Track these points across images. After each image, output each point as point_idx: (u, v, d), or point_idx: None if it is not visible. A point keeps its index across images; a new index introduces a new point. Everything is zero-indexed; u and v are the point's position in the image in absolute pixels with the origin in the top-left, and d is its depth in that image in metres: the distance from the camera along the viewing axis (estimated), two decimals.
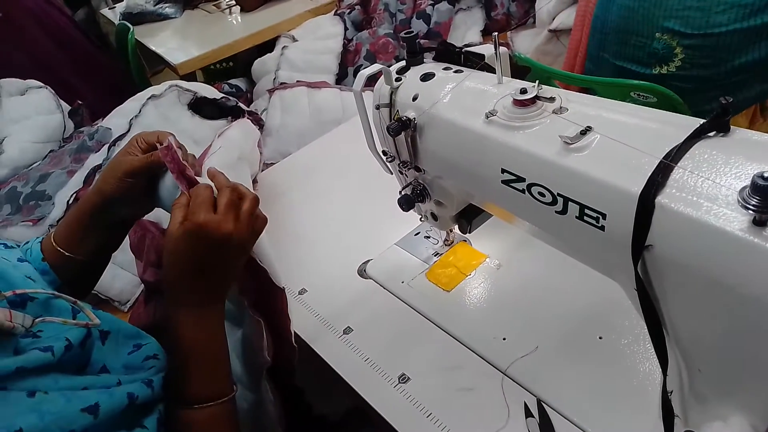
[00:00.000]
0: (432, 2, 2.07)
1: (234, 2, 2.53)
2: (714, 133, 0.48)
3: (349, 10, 2.13)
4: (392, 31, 2.03)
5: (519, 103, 0.58)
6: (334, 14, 2.15)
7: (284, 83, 1.75)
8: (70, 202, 1.15)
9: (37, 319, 0.55)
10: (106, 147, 1.26)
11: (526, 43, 1.91)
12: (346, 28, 2.06)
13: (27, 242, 0.77)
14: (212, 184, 0.68)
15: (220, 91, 1.52)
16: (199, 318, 0.66)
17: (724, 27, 1.16)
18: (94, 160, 1.25)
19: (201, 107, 1.42)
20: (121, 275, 1.14)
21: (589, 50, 1.52)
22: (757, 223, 0.40)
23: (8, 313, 0.52)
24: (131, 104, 1.39)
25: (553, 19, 1.78)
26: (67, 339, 0.56)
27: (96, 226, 0.75)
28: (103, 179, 0.74)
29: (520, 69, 0.73)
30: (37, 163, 1.38)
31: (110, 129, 1.33)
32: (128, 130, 1.30)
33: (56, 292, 0.60)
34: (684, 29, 1.21)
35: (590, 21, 1.48)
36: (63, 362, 0.55)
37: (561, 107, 0.57)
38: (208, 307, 0.66)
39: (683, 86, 1.26)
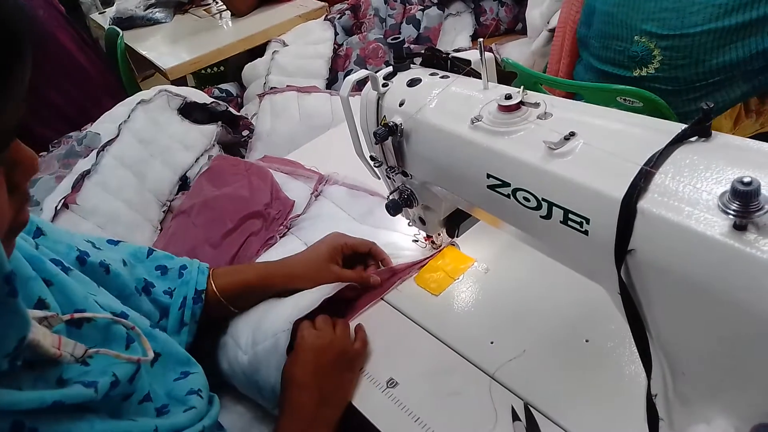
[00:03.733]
0: (421, 7, 2.08)
1: (224, 7, 2.53)
2: (695, 138, 0.49)
3: (339, 15, 2.14)
4: (382, 36, 2.03)
5: (504, 109, 0.59)
6: (325, 19, 2.15)
7: (274, 88, 1.75)
8: (58, 207, 1.14)
9: (90, 350, 0.52)
10: (94, 152, 1.26)
11: (515, 52, 1.92)
12: (336, 33, 2.06)
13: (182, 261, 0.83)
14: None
15: (210, 96, 1.52)
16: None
17: (699, 27, 1.18)
18: (83, 165, 1.24)
19: (191, 112, 1.42)
20: None
21: (580, 54, 1.54)
22: (738, 227, 0.41)
23: (57, 340, 0.49)
24: (120, 109, 1.38)
25: (548, 21, 1.78)
26: (114, 375, 0.53)
27: (272, 295, 0.85)
28: (300, 274, 0.85)
29: (506, 74, 0.73)
30: None
31: (99, 134, 1.32)
32: (117, 135, 1.29)
33: (115, 317, 0.58)
34: (661, 31, 1.23)
35: (572, 28, 1.50)
36: (106, 399, 0.53)
37: (545, 113, 0.58)
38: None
39: (663, 88, 1.28)
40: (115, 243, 0.78)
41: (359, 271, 0.90)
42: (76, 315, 0.54)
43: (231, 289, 0.82)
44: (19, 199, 0.41)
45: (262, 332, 0.79)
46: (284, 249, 1.00)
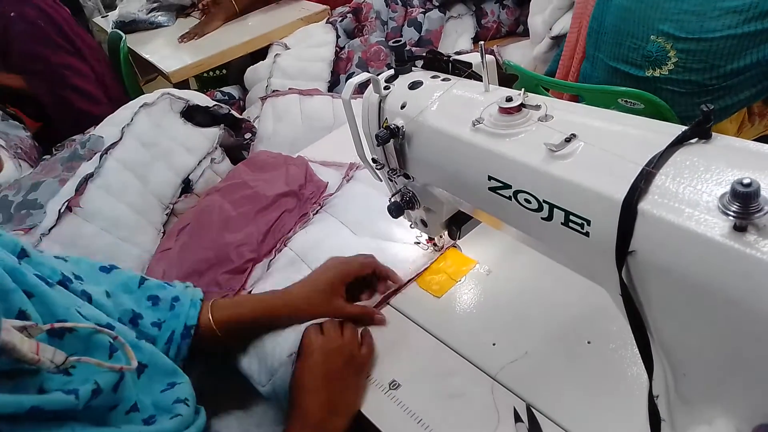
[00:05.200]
0: (423, 10, 2.08)
1: None
2: (696, 139, 0.49)
3: (341, 18, 2.14)
4: (384, 39, 2.04)
5: (505, 111, 0.59)
6: (326, 22, 2.16)
7: (276, 91, 1.75)
8: (62, 210, 1.15)
9: (70, 357, 0.51)
10: (98, 155, 1.26)
11: (516, 54, 1.92)
12: (338, 36, 2.07)
13: (175, 288, 0.79)
14: None
15: (212, 99, 1.52)
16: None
17: (718, 33, 1.18)
18: (86, 168, 1.25)
19: (193, 115, 1.43)
20: None
21: (586, 51, 1.53)
22: (738, 228, 0.41)
23: (35, 346, 0.48)
24: (123, 112, 1.39)
25: (551, 28, 1.79)
26: (96, 383, 0.53)
27: (270, 327, 0.81)
28: (303, 308, 0.81)
29: (508, 76, 0.74)
30: (29, 171, 1.37)
31: (102, 137, 1.33)
32: (120, 138, 1.30)
33: (98, 327, 0.57)
34: (678, 33, 1.22)
35: (587, 23, 1.50)
36: (89, 407, 0.52)
37: (546, 115, 0.58)
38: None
39: (675, 90, 1.27)
40: (108, 270, 0.76)
41: (364, 307, 0.87)
42: (57, 325, 0.53)
43: (228, 322, 0.79)
44: None
45: (275, 361, 0.78)
46: (319, 226, 1.07)
